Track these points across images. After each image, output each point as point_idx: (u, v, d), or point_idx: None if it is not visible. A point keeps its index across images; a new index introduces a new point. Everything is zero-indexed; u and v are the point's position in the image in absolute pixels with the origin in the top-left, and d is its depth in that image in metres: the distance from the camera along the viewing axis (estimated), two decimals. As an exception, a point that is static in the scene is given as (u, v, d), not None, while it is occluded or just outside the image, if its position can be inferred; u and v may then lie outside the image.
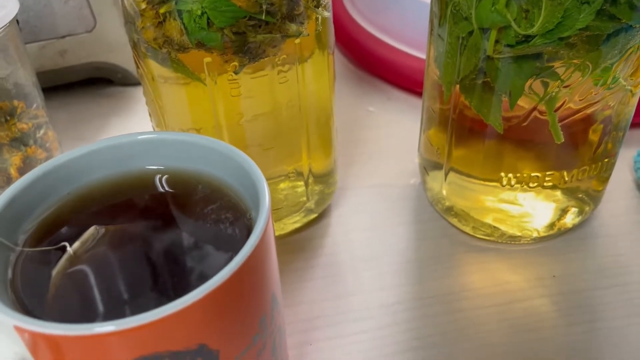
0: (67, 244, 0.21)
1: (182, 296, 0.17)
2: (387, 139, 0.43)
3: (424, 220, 0.36)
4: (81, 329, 0.17)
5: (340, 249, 0.35)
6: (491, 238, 0.34)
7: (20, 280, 0.20)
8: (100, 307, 0.19)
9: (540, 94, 0.28)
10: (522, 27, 0.26)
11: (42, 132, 0.38)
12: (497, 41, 0.27)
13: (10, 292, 0.19)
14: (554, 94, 0.27)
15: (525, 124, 0.28)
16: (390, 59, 0.48)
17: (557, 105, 0.28)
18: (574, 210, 0.33)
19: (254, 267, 0.19)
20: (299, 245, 0.35)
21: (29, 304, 0.19)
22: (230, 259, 0.19)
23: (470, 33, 0.27)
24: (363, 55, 0.50)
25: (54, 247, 0.21)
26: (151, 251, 0.21)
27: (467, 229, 0.35)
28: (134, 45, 0.29)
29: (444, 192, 0.34)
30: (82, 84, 0.49)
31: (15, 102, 0.37)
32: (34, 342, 0.17)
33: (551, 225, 0.33)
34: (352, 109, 0.46)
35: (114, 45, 0.48)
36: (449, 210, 0.35)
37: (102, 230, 0.21)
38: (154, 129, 0.33)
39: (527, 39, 0.26)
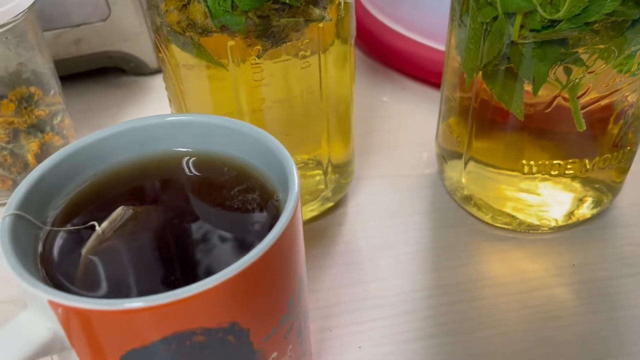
0: (95, 223, 0.21)
1: (213, 274, 0.17)
2: (402, 129, 0.43)
3: (441, 210, 0.36)
4: (114, 304, 0.17)
5: (357, 237, 0.35)
6: (510, 227, 0.34)
7: (50, 257, 0.20)
8: (130, 284, 0.19)
9: (563, 80, 0.28)
10: (548, 12, 0.26)
11: (58, 119, 0.38)
12: (522, 26, 0.27)
13: (41, 268, 0.19)
14: (577, 80, 0.27)
15: (548, 110, 0.28)
16: (404, 50, 0.48)
17: (581, 92, 0.28)
18: (592, 200, 0.33)
19: (284, 247, 0.19)
20: (316, 232, 0.35)
21: (60, 280, 0.19)
22: (260, 239, 0.19)
23: (495, 18, 0.27)
24: (377, 45, 0.49)
25: (83, 226, 0.21)
26: (179, 231, 0.21)
27: (486, 218, 0.34)
28: (156, 30, 0.29)
29: (463, 181, 0.34)
30: (95, 72, 0.49)
31: (33, 89, 0.37)
32: (67, 316, 0.17)
33: (569, 215, 0.33)
34: (367, 99, 0.46)
35: (128, 34, 0.48)
36: (468, 199, 0.35)
37: (130, 210, 0.21)
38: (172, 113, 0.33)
39: (553, 23, 0.26)
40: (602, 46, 0.26)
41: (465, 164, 0.33)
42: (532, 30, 0.26)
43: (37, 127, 0.37)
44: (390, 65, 0.49)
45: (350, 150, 0.35)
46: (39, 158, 0.37)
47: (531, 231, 0.34)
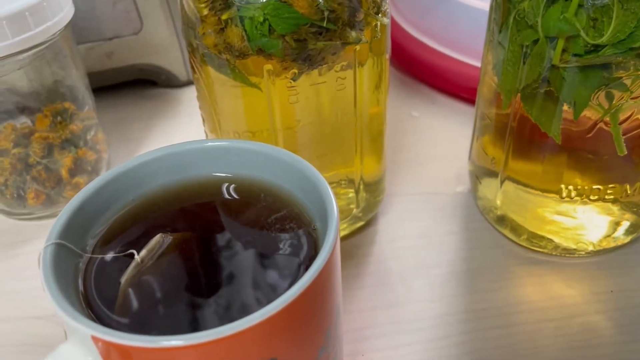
0: (134, 251, 0.21)
1: (253, 309, 0.17)
2: (432, 145, 0.43)
3: (474, 230, 0.36)
4: (155, 342, 0.17)
5: (388, 256, 0.34)
6: (545, 250, 0.33)
7: (90, 287, 0.20)
8: (169, 317, 0.19)
9: (604, 105, 0.27)
10: (591, 37, 0.25)
11: (92, 133, 0.39)
12: (564, 50, 0.26)
13: (82, 298, 0.19)
14: (620, 105, 0.27)
15: (589, 135, 0.28)
16: (434, 63, 0.47)
17: (623, 117, 0.27)
18: (631, 224, 0.32)
19: (324, 281, 0.19)
20: (346, 252, 0.35)
21: (100, 310, 0.19)
22: (300, 270, 0.19)
23: (535, 42, 0.27)
24: (406, 59, 0.49)
25: (122, 254, 0.21)
26: (218, 260, 0.21)
27: (521, 240, 0.34)
28: (192, 51, 0.29)
29: (498, 202, 0.34)
30: (126, 85, 0.50)
31: (67, 104, 0.37)
32: (108, 351, 0.17)
33: (607, 239, 0.32)
34: (396, 113, 0.46)
35: (159, 47, 0.48)
36: (502, 220, 0.34)
37: (168, 238, 0.21)
38: (206, 133, 0.33)
39: (596, 48, 0.25)
40: (646, 71, 0.25)
41: (501, 183, 0.33)
42: (574, 55, 0.26)
43: (70, 142, 0.38)
44: (420, 79, 0.49)
45: (382, 167, 0.35)
46: (73, 173, 0.38)
47: (567, 255, 0.33)
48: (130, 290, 0.20)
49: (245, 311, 0.18)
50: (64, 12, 0.33)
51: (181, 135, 0.45)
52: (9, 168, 0.36)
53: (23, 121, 0.36)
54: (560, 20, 0.25)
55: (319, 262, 0.18)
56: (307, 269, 0.19)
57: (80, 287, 0.20)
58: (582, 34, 0.25)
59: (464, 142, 0.41)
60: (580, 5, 0.25)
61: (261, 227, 0.22)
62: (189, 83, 0.51)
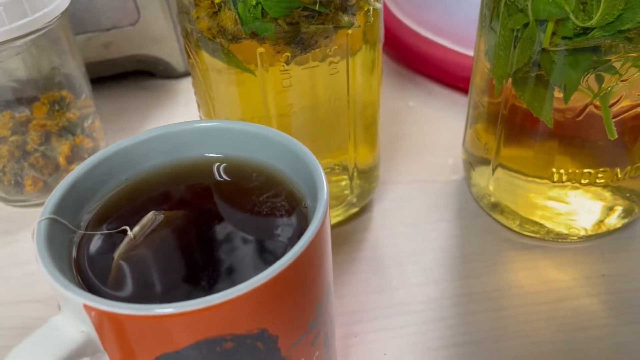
0: (127, 228, 0.21)
1: (243, 281, 0.17)
2: (428, 135, 0.43)
3: (468, 217, 0.36)
4: (147, 309, 0.17)
5: (382, 243, 0.35)
6: (537, 235, 0.34)
7: (84, 261, 0.20)
8: (162, 289, 0.20)
9: (594, 88, 0.27)
10: (580, 19, 0.25)
11: (89, 121, 0.39)
12: (553, 33, 0.26)
13: (75, 271, 0.20)
14: (609, 88, 0.27)
15: (579, 118, 0.28)
16: (430, 54, 0.47)
17: (613, 100, 0.27)
18: (623, 209, 0.32)
19: (313, 254, 0.19)
20: (341, 238, 0.35)
21: (93, 284, 0.20)
22: (289, 245, 0.19)
23: (526, 25, 0.27)
24: (403, 50, 0.49)
25: (115, 230, 0.21)
26: (209, 236, 0.21)
27: (514, 226, 0.34)
28: (186, 35, 0.29)
29: (491, 188, 0.34)
30: (124, 76, 0.50)
31: (64, 92, 0.38)
32: (100, 320, 0.18)
33: (599, 224, 0.33)
34: (393, 104, 0.46)
35: (157, 38, 0.48)
36: (495, 206, 0.34)
37: (160, 215, 0.22)
38: (201, 117, 0.34)
39: (585, 31, 0.26)
40: (635, 54, 0.26)
41: (493, 170, 0.33)
42: (564, 38, 0.26)
43: (68, 130, 0.38)
44: (416, 70, 0.49)
45: (376, 155, 0.35)
46: (70, 160, 0.38)
47: (559, 240, 0.33)
48: (123, 264, 0.20)
49: (235, 283, 0.18)
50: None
51: (178, 125, 0.45)
52: (7, 155, 0.36)
53: (21, 110, 0.37)
54: (549, 3, 0.25)
55: (306, 237, 0.18)
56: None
57: (74, 262, 0.20)
58: (571, 16, 0.25)
59: (459, 131, 0.41)
60: (570, -12, 0.25)
61: (253, 205, 0.22)
62: (186, 74, 0.51)
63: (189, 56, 0.30)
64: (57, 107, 0.37)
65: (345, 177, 0.33)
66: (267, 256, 0.20)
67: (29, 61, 0.34)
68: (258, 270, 0.18)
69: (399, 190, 0.38)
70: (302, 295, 0.19)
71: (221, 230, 0.21)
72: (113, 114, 0.46)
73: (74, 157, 0.38)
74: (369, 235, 0.35)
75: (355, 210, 0.36)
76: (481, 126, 0.34)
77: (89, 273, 0.20)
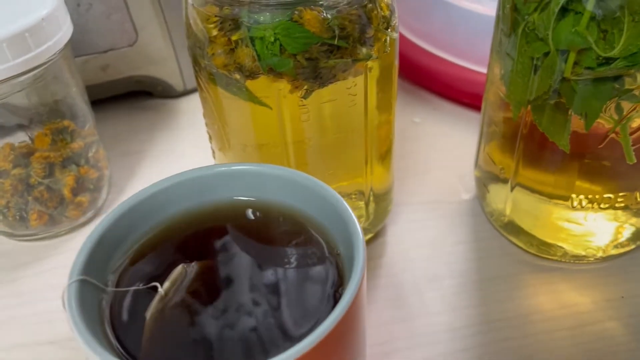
0: (158, 284, 0.20)
1: (284, 344, 0.17)
2: (436, 152, 0.43)
3: (483, 238, 0.36)
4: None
5: (399, 269, 0.34)
6: (554, 257, 0.34)
7: (116, 322, 0.20)
8: (195, 350, 0.19)
9: (614, 115, 0.27)
10: (601, 49, 0.25)
11: (93, 151, 0.38)
12: (575, 63, 0.26)
13: (110, 335, 0.19)
14: (630, 116, 0.27)
15: (601, 146, 0.28)
16: (434, 69, 0.47)
17: (635, 126, 0.27)
18: (638, 230, 0.32)
19: (356, 310, 0.19)
20: (357, 265, 0.35)
21: (127, 347, 0.19)
22: (328, 299, 0.19)
23: (546, 54, 0.27)
24: (406, 64, 0.49)
25: (145, 286, 0.21)
26: (243, 290, 0.21)
27: (529, 248, 0.34)
28: (200, 70, 0.28)
29: (507, 208, 0.34)
30: (122, 97, 0.49)
31: (67, 122, 0.37)
32: (141, 392, 0.17)
33: (616, 245, 0.33)
34: (398, 120, 0.45)
35: (155, 58, 0.47)
36: (509, 227, 0.34)
37: (191, 268, 0.21)
38: (213, 150, 0.33)
39: (608, 61, 0.25)
40: (657, 82, 0.26)
41: (511, 190, 0.33)
42: (587, 68, 0.26)
43: (71, 160, 0.37)
44: (419, 85, 0.49)
45: (391, 178, 0.35)
46: (75, 192, 0.37)
47: (576, 262, 0.33)
48: (155, 324, 0.20)
49: (275, 345, 0.18)
50: (63, 30, 0.33)
51: (183, 147, 0.45)
52: (10, 190, 0.35)
53: (21, 139, 0.36)
54: (572, 33, 0.25)
55: (350, 293, 0.18)
56: (334, 297, 0.19)
57: (107, 324, 0.19)
58: (594, 47, 0.25)
59: (467, 147, 0.41)
60: (591, 18, 0.25)
61: (284, 252, 0.22)
62: (185, 93, 0.50)
63: (201, 89, 0.30)
64: (60, 138, 0.36)
65: (362, 203, 0.33)
66: (307, 314, 0.20)
67: (32, 95, 0.33)
68: (299, 331, 0.18)
69: (411, 212, 0.38)
70: (344, 353, 0.19)
71: (255, 282, 0.21)
72: (114, 137, 0.45)
73: (79, 188, 0.37)
74: (384, 261, 0.35)
75: (370, 236, 0.36)
76: (497, 146, 0.33)
77: (122, 335, 0.19)
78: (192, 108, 0.49)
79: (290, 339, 0.18)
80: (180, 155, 0.44)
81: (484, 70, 0.44)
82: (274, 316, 0.20)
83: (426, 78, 0.48)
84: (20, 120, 0.34)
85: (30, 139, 0.36)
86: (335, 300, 0.19)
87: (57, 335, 0.32)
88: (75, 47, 0.45)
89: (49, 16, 0.31)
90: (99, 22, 0.44)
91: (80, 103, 0.37)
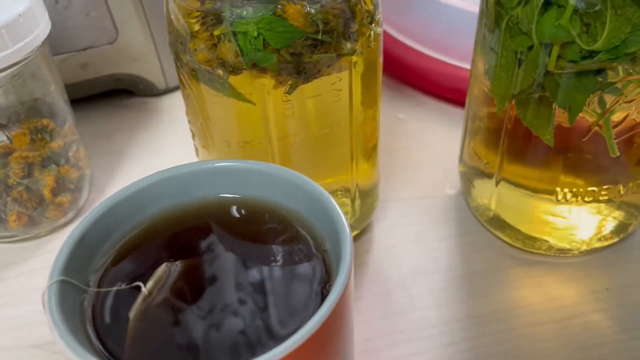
0: (141, 283, 0.20)
1: (270, 342, 0.17)
2: (420, 147, 0.43)
3: (469, 233, 0.36)
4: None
5: (385, 265, 0.34)
6: (539, 251, 0.34)
7: (98, 323, 0.19)
8: (181, 350, 0.19)
9: (597, 109, 0.27)
10: (585, 42, 0.25)
11: (74, 150, 0.37)
12: (559, 56, 0.26)
13: (92, 337, 0.18)
14: (613, 109, 0.27)
15: (585, 139, 0.28)
16: (416, 64, 0.47)
17: (618, 120, 0.27)
18: (622, 222, 0.32)
19: (343, 306, 0.18)
20: (343, 261, 0.34)
21: (110, 348, 0.18)
22: (314, 297, 0.19)
23: (530, 48, 0.27)
24: (388, 60, 0.49)
25: (128, 286, 0.20)
26: (229, 288, 0.20)
27: (515, 242, 0.34)
28: (182, 66, 0.28)
29: (493, 203, 0.34)
30: (102, 95, 0.48)
31: (46, 121, 0.36)
32: (126, 394, 0.17)
33: (600, 237, 0.33)
34: (383, 117, 0.45)
35: (136, 56, 0.47)
36: (495, 221, 0.34)
37: (175, 267, 0.21)
38: (196, 148, 0.33)
39: (591, 54, 0.25)
40: (638, 76, 0.26)
41: (496, 184, 0.33)
42: (570, 61, 0.26)
43: (51, 160, 0.36)
44: (403, 81, 0.49)
45: (377, 174, 0.35)
46: (55, 192, 0.36)
47: (561, 255, 0.34)
48: (139, 324, 0.19)
49: (262, 345, 0.18)
50: (41, 27, 0.32)
51: (165, 145, 0.44)
52: (-12, 190, 0.35)
53: (1, 140, 0.35)
54: (555, 26, 0.25)
55: (337, 289, 0.18)
56: (322, 293, 0.19)
57: (89, 326, 0.19)
58: (577, 40, 0.25)
59: (451, 143, 0.41)
60: (574, 11, 0.25)
61: (270, 250, 0.21)
62: (167, 91, 0.49)
63: (183, 86, 0.29)
64: (39, 137, 0.36)
65: (348, 200, 0.33)
66: (293, 311, 0.19)
67: (9, 92, 0.32)
68: (285, 328, 0.17)
69: (397, 208, 0.38)
70: (332, 350, 0.19)
71: (240, 280, 0.21)
72: (94, 137, 0.45)
73: (59, 188, 0.36)
74: (370, 257, 0.35)
75: (355, 232, 0.35)
76: (481, 141, 0.33)
77: (104, 336, 0.19)
78: (174, 106, 0.48)
79: (278, 338, 0.18)
80: (163, 153, 0.43)
81: (466, 65, 0.44)
82: (260, 315, 0.19)
83: (409, 74, 0.48)
84: (-2, 119, 0.33)
85: (8, 138, 0.35)
86: (323, 297, 0.19)
87: (40, 338, 0.31)
88: (54, 45, 0.44)
89: (26, 12, 0.30)
90: (78, 19, 0.44)
91: (60, 102, 0.36)
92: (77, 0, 0.43)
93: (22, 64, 0.31)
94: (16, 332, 0.31)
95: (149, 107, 0.48)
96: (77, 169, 0.38)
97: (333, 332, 0.18)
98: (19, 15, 0.30)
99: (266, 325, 0.19)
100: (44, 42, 0.33)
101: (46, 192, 0.36)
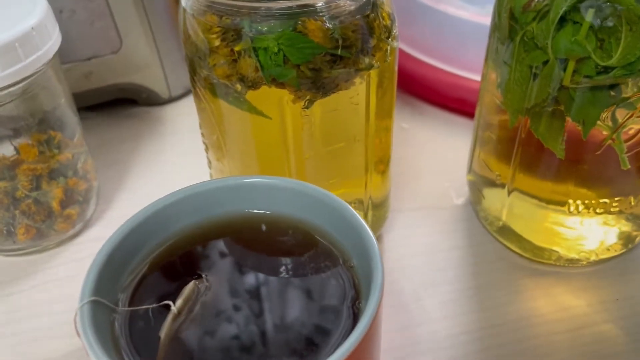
0: (170, 302, 0.20)
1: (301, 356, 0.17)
2: (425, 157, 0.43)
3: (478, 243, 0.36)
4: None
5: (397, 276, 0.34)
6: (549, 261, 0.34)
7: (129, 344, 0.19)
8: (214, 369, 0.19)
9: (609, 122, 0.28)
10: (599, 57, 0.26)
11: (82, 161, 0.37)
12: (574, 71, 0.26)
13: (125, 356, 0.18)
14: (627, 123, 0.27)
15: (598, 152, 0.28)
16: (421, 74, 0.47)
17: (632, 133, 0.28)
18: (631, 233, 0.33)
19: (375, 326, 0.18)
20: (355, 273, 0.34)
21: (143, 370, 0.18)
22: (347, 314, 0.19)
23: (545, 63, 0.27)
24: (392, 70, 0.49)
25: (157, 305, 0.20)
26: (257, 305, 0.20)
27: (524, 252, 0.34)
28: (198, 80, 0.28)
29: (504, 214, 0.34)
30: (106, 105, 0.48)
31: (53, 133, 0.36)
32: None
33: (608, 248, 0.33)
34: (387, 126, 0.46)
35: (140, 65, 0.47)
36: (504, 230, 0.35)
37: (203, 284, 0.21)
38: (209, 160, 0.32)
39: (606, 69, 0.26)
40: (653, 90, 0.26)
41: (509, 194, 0.33)
42: (585, 77, 0.26)
43: (59, 172, 0.36)
44: (406, 90, 0.49)
45: (388, 186, 0.35)
46: (64, 204, 0.36)
47: (570, 265, 0.34)
48: (171, 344, 0.19)
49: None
50: (53, 39, 0.32)
51: (169, 155, 0.44)
52: (-4, 203, 0.34)
53: (7, 151, 0.34)
54: (571, 42, 0.26)
55: (371, 308, 0.18)
56: (353, 311, 0.19)
57: (122, 346, 0.19)
58: (593, 56, 0.26)
59: (456, 152, 0.42)
60: (590, 27, 0.25)
61: (298, 266, 0.22)
62: (170, 101, 0.49)
63: (199, 99, 0.29)
64: (47, 149, 0.35)
65: (361, 212, 0.33)
66: (326, 331, 0.20)
67: (21, 106, 0.32)
68: (320, 348, 0.17)
69: (406, 219, 0.38)
70: (365, 367, 0.19)
71: (270, 297, 0.21)
72: (99, 146, 0.44)
73: (67, 200, 0.36)
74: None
75: (366, 243, 0.35)
76: (492, 150, 0.34)
77: (137, 357, 0.19)
78: (177, 115, 0.48)
79: (313, 358, 0.18)
80: (168, 163, 0.43)
81: (470, 75, 0.45)
82: (292, 335, 0.19)
83: (412, 83, 0.48)
84: (8, 131, 0.33)
85: (17, 150, 0.34)
86: (354, 314, 0.19)
87: (49, 353, 0.31)
88: (59, 55, 0.44)
89: (38, 25, 0.30)
90: (82, 29, 0.43)
91: (69, 113, 0.36)
92: (81, 10, 0.42)
93: (34, 77, 0.31)
94: (25, 348, 0.31)
95: (152, 117, 0.48)
96: (85, 180, 0.37)
97: (367, 350, 0.18)
98: (32, 29, 0.30)
99: (299, 345, 0.19)
100: (54, 55, 0.32)
101: (55, 205, 0.36)
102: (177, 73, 0.48)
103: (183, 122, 0.47)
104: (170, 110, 0.49)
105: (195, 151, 0.34)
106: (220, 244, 0.22)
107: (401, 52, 0.48)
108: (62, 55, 0.44)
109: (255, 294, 0.21)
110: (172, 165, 0.43)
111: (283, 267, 0.22)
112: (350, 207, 0.21)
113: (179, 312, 0.20)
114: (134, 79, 0.47)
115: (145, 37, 0.45)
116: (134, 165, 0.43)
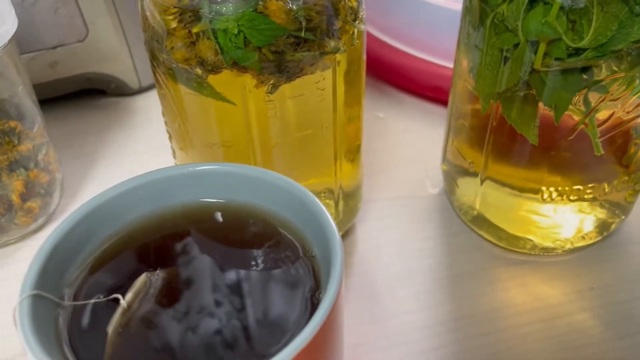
0: (119, 296, 0.19)
1: (259, 354, 0.16)
2: (401, 147, 0.42)
3: (453, 233, 0.35)
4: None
5: (370, 267, 0.34)
6: (523, 250, 0.33)
7: (74, 339, 0.18)
8: (165, 365, 0.18)
9: (582, 106, 0.27)
10: (570, 39, 0.25)
11: (43, 153, 0.36)
12: (545, 54, 0.26)
13: (68, 355, 0.17)
14: (599, 107, 0.27)
15: (571, 138, 0.28)
16: (397, 63, 0.46)
17: (604, 118, 0.27)
18: (606, 220, 0.32)
19: (336, 315, 0.18)
20: (327, 265, 0.34)
21: (88, 367, 0.17)
22: (306, 305, 0.18)
23: (515, 45, 0.26)
24: (368, 59, 0.48)
25: (106, 298, 0.19)
26: (213, 298, 0.19)
27: (499, 241, 0.34)
28: (157, 65, 0.27)
29: (477, 203, 0.33)
30: (73, 96, 0.47)
31: (13, 123, 0.34)
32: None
33: (584, 236, 0.33)
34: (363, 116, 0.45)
35: (107, 54, 0.45)
36: (478, 220, 0.34)
37: (155, 277, 0.20)
38: (173, 150, 0.31)
39: (578, 52, 0.25)
40: (627, 73, 0.26)
41: (481, 183, 0.32)
42: (556, 59, 0.25)
43: (19, 164, 0.35)
44: (383, 79, 0.48)
45: (360, 176, 0.34)
46: (25, 197, 0.35)
47: (545, 254, 0.33)
48: (119, 340, 0.18)
49: (250, 357, 0.17)
50: (7, 24, 0.30)
51: (139, 147, 0.43)
52: (-48, 197, 0.33)
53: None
54: (542, 23, 0.25)
55: (329, 298, 0.17)
56: (312, 301, 0.18)
57: (65, 342, 0.18)
58: (564, 37, 0.25)
59: (432, 142, 0.41)
60: (560, 8, 0.25)
61: (256, 257, 0.21)
62: (140, 91, 0.48)
63: (159, 86, 0.28)
64: (6, 140, 0.34)
65: (331, 202, 0.32)
66: (283, 321, 0.19)
67: (-26, 94, 0.31)
68: (276, 340, 0.16)
69: (380, 209, 0.37)
70: (325, 356, 0.18)
71: (226, 289, 0.20)
72: (65, 139, 0.43)
73: (28, 193, 0.35)
74: (355, 259, 0.34)
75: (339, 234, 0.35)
76: (465, 138, 0.33)
77: (81, 353, 0.18)
78: (147, 106, 0.47)
79: (269, 351, 0.17)
80: (137, 156, 0.42)
81: (446, 63, 0.44)
82: (248, 327, 0.18)
83: (389, 72, 0.47)
84: (-38, 121, 0.32)
85: (-27, 143, 0.33)
86: (313, 305, 0.18)
87: (10, 351, 0.29)
88: (21, 43, 0.42)
89: (-10, 9, 0.29)
90: (45, 16, 0.42)
91: (28, 102, 0.34)
92: (44, -4, 0.41)
93: (-13, 63, 0.30)
94: (-15, 348, 0.30)
95: (121, 107, 0.47)
96: (47, 172, 0.36)
97: (326, 341, 0.17)
98: (-17, 12, 0.28)
99: (255, 337, 0.18)
100: (10, 41, 0.31)
101: (15, 198, 0.34)
102: (147, 62, 0.47)
103: (153, 113, 0.46)
104: (140, 100, 0.47)
105: (166, 143, 0.33)
106: (175, 235, 0.21)
107: (378, 40, 0.47)
108: (26, 44, 0.42)
109: (211, 286, 0.20)
110: (141, 157, 0.42)
111: (242, 258, 0.21)
112: (310, 194, 0.20)
113: (129, 307, 0.19)
114: (102, 68, 0.46)
115: (113, 25, 0.44)
116: (101, 157, 0.42)
